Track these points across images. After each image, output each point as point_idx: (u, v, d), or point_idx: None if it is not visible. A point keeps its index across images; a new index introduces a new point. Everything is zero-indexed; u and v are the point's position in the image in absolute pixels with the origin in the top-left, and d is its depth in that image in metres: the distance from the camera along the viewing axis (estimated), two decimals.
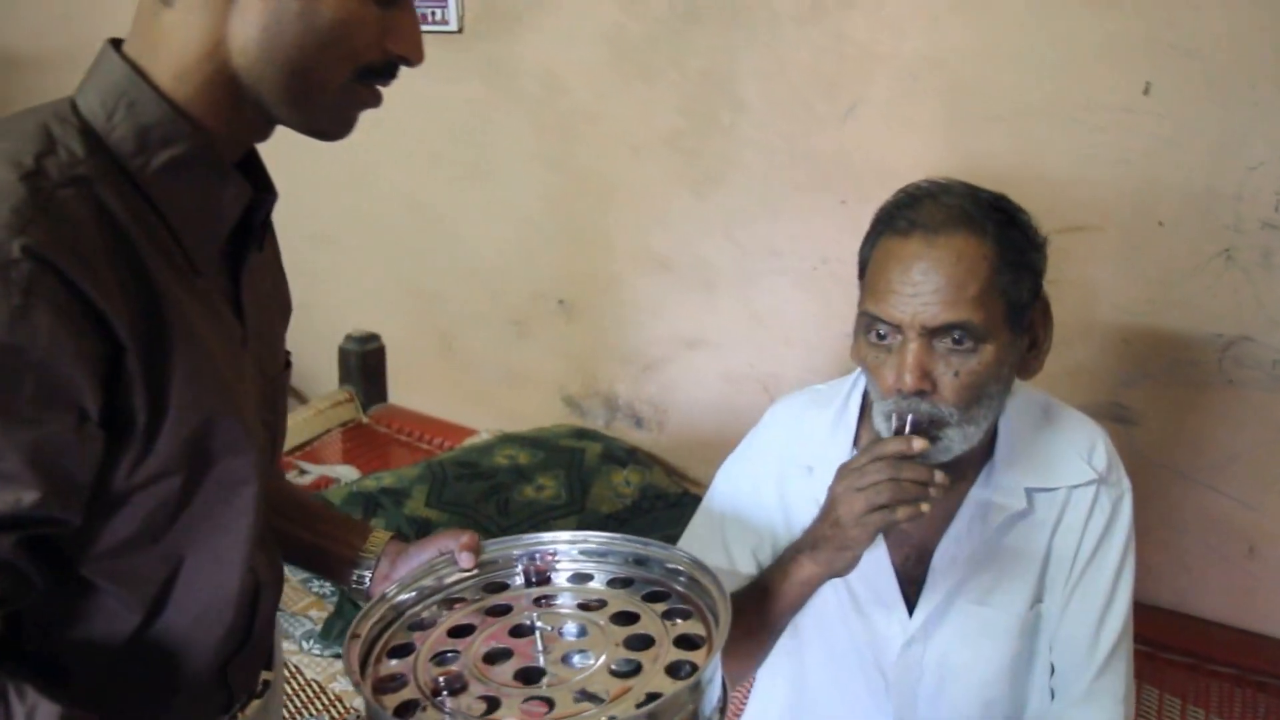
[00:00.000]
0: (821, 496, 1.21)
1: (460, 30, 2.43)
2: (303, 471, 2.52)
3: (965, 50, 1.85)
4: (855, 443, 1.24)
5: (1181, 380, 1.79)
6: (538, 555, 1.10)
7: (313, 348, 2.77)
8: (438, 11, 2.43)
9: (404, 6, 0.85)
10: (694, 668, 0.90)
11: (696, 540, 1.32)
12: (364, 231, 2.86)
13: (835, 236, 2.08)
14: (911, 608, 1.24)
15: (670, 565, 1.06)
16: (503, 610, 1.03)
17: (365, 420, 2.84)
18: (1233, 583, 1.87)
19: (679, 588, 1.04)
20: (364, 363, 2.86)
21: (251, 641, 1.00)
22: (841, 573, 1.12)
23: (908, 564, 1.24)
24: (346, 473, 2.50)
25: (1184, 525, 1.84)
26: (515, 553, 1.11)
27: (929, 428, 1.09)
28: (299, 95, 0.84)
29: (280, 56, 0.81)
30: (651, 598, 1.03)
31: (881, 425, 1.14)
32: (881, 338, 1.12)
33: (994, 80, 1.83)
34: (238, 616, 0.96)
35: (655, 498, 2.26)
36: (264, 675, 1.09)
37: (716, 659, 0.88)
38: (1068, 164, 1.78)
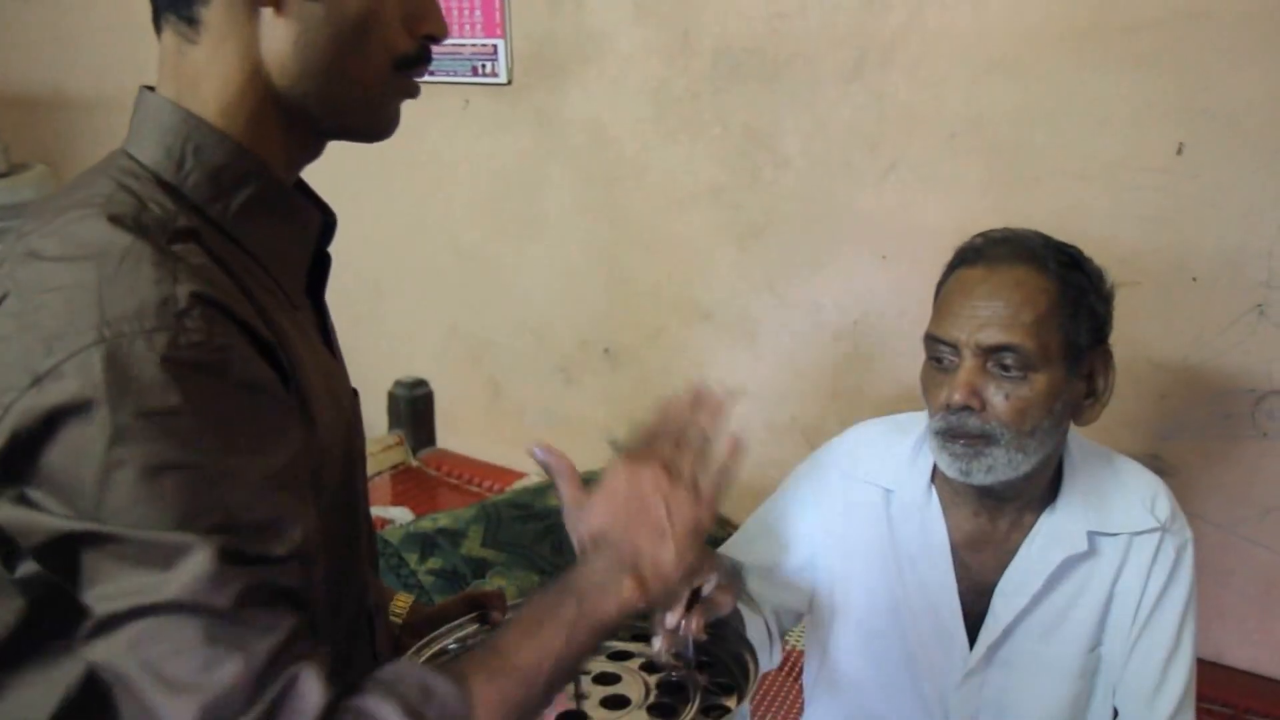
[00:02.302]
0: (900, 521, 1.27)
1: (509, 82, 2.50)
2: None
3: (1003, 110, 1.89)
4: (933, 474, 1.28)
5: (1216, 434, 1.80)
6: None
7: (364, 393, 2.81)
8: (488, 64, 2.50)
9: None
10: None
11: (745, 535, 1.38)
12: (415, 279, 2.93)
13: (876, 291, 2.11)
14: (972, 641, 1.26)
15: None
16: None
17: (415, 463, 2.90)
18: (1270, 634, 1.86)
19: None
20: (413, 408, 2.93)
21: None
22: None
23: (969, 597, 1.26)
24: (400, 514, 2.55)
25: (1220, 577, 1.83)
26: None
27: (975, 442, 1.14)
28: (344, 100, 0.83)
29: (318, 65, 0.80)
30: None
31: (931, 441, 1.20)
32: (940, 362, 1.18)
33: (1031, 139, 1.87)
34: (359, 642, 0.95)
35: None
36: None
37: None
38: (1103, 222, 1.81)
